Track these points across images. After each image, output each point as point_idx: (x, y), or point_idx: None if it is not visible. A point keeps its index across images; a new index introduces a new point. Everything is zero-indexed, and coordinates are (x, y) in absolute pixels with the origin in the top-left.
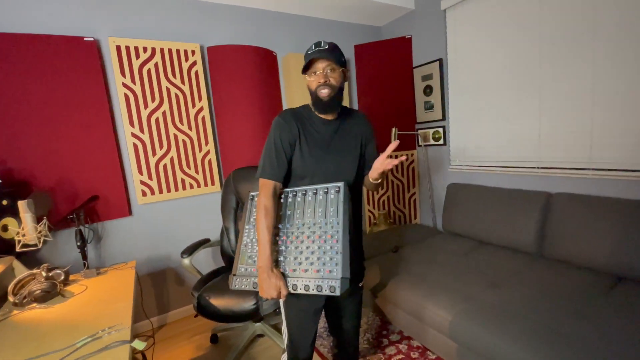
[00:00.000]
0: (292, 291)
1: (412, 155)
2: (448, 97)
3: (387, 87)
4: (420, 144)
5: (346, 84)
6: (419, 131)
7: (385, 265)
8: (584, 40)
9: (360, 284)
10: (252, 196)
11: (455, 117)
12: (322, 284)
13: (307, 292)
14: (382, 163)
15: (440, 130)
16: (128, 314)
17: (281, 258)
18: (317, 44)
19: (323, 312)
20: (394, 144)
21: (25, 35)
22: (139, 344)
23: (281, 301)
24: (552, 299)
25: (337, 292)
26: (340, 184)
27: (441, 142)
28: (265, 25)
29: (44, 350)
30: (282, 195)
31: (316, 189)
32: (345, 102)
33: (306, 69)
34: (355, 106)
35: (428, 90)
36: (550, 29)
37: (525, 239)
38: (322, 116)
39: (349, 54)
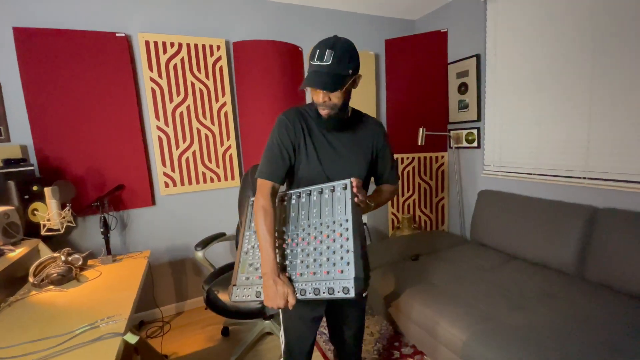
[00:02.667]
0: (301, 297)
1: (442, 157)
2: (485, 97)
3: (418, 83)
4: (451, 145)
5: (374, 80)
6: (451, 132)
7: (402, 273)
8: None
9: (365, 294)
10: (252, 201)
11: (492, 119)
12: (334, 286)
13: (318, 296)
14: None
15: (475, 131)
16: (129, 305)
17: (287, 262)
18: (320, 56)
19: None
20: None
21: (62, 31)
22: (131, 338)
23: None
24: (585, 329)
25: (352, 293)
26: (347, 181)
27: (475, 144)
28: (291, 20)
29: (47, 333)
30: (286, 198)
31: (321, 188)
32: (372, 100)
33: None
34: (383, 103)
35: (463, 88)
36: (604, 25)
37: (564, 257)
38: None
39: (379, 49)
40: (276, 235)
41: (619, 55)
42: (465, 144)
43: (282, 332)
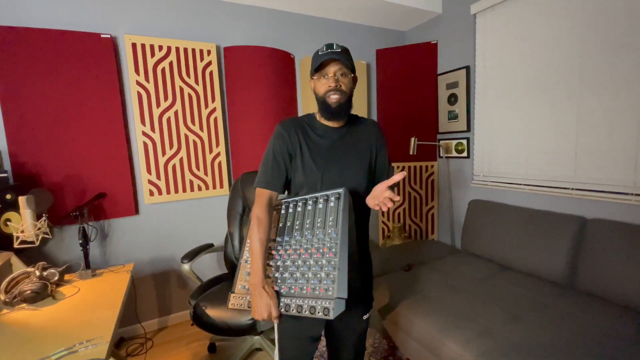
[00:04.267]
0: (285, 312)
1: (432, 166)
2: (474, 107)
3: (409, 94)
4: (441, 155)
5: (366, 89)
6: (441, 142)
7: (396, 284)
8: (631, 48)
9: (366, 316)
10: None
11: (482, 129)
12: (316, 305)
13: (300, 314)
14: (378, 198)
15: (464, 142)
16: (110, 327)
17: (277, 274)
18: (329, 46)
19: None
20: (400, 175)
21: (42, 30)
22: None
23: (275, 324)
24: (582, 341)
25: (331, 316)
26: (341, 190)
27: (464, 154)
28: (283, 26)
29: (21, 358)
30: (283, 206)
31: (316, 197)
32: (364, 108)
33: (316, 70)
34: (375, 112)
35: (453, 99)
36: (592, 36)
37: (554, 267)
38: (328, 123)
39: (370, 58)
40: (271, 245)
41: (606, 66)
42: (455, 154)
43: (276, 351)
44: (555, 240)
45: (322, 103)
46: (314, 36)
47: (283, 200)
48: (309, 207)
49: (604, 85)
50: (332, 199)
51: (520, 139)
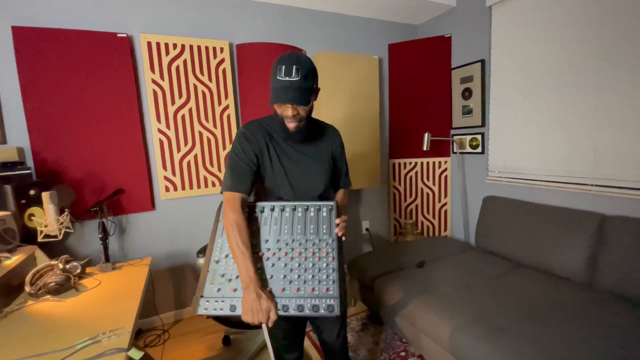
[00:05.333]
0: (284, 313)
1: (445, 162)
2: (489, 102)
3: (421, 88)
4: (455, 151)
5: (378, 85)
6: (455, 137)
7: (409, 281)
8: None
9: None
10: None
11: (497, 124)
12: (319, 304)
13: (301, 313)
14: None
15: (479, 137)
16: (131, 318)
17: (267, 276)
18: (287, 72)
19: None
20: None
21: (62, 31)
22: (136, 354)
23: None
24: (595, 337)
25: (336, 312)
26: (333, 203)
27: (479, 150)
28: (295, 22)
29: (45, 348)
30: (265, 209)
31: (307, 206)
32: (376, 104)
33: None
34: (387, 108)
35: (467, 93)
36: (611, 29)
37: (572, 265)
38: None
39: (383, 53)
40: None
41: (626, 58)
42: (469, 150)
43: (266, 337)
44: (573, 237)
45: (281, 124)
46: (326, 31)
47: (261, 203)
48: (299, 214)
49: (626, 78)
50: (325, 209)
51: (537, 134)
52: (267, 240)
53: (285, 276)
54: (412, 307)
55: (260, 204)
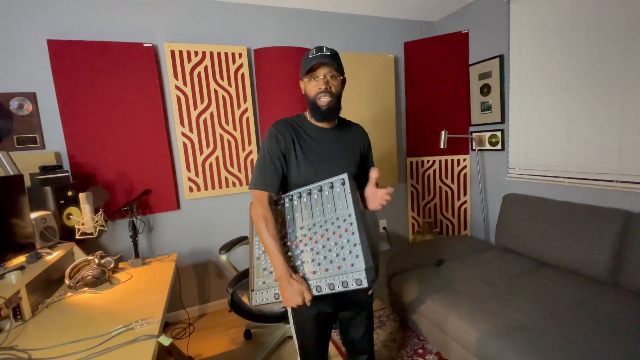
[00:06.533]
0: (317, 293)
1: (464, 160)
2: (509, 98)
3: (439, 86)
4: (474, 148)
5: (393, 83)
6: (474, 134)
7: (426, 279)
8: None
9: (370, 292)
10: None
11: (517, 120)
12: (347, 279)
13: (334, 291)
14: (377, 199)
15: (498, 134)
16: (160, 309)
17: (298, 263)
18: (319, 49)
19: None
20: (375, 171)
21: (92, 43)
22: (165, 340)
23: (289, 312)
24: (618, 336)
25: (365, 284)
26: (344, 175)
27: (499, 147)
28: (310, 25)
29: (85, 335)
30: (285, 200)
31: (320, 186)
32: (392, 102)
33: (306, 73)
34: (403, 106)
35: (486, 89)
36: (638, 19)
37: (597, 263)
38: (319, 124)
39: (399, 51)
40: (282, 238)
41: None
42: (488, 147)
43: (294, 334)
44: (598, 235)
45: (313, 105)
46: (341, 32)
47: (284, 195)
48: (315, 196)
49: None
50: (337, 184)
51: (559, 129)
52: (292, 230)
53: (313, 260)
54: (430, 305)
55: (283, 197)
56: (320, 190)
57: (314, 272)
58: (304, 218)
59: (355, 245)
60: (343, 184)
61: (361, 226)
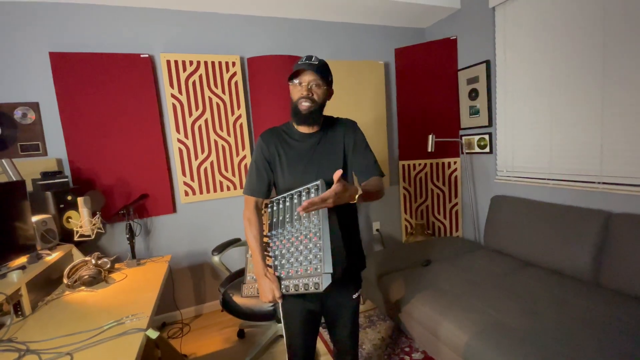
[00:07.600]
0: (285, 292)
1: (454, 163)
2: (496, 102)
3: (429, 91)
4: (463, 151)
5: (384, 89)
6: (463, 138)
7: (413, 279)
8: None
9: (355, 296)
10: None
11: (504, 124)
12: (308, 282)
13: (297, 292)
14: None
15: (486, 137)
16: (150, 305)
17: (276, 263)
18: (309, 57)
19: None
20: (338, 172)
21: (92, 54)
22: (152, 333)
23: (280, 304)
24: (599, 336)
25: (320, 288)
26: (319, 182)
27: (487, 150)
28: (301, 34)
29: (79, 329)
30: (274, 203)
31: (300, 191)
32: (382, 108)
33: (292, 78)
34: (394, 112)
35: (473, 94)
36: (616, 27)
37: (579, 263)
38: (303, 129)
39: (389, 58)
40: (267, 239)
41: (631, 56)
42: (477, 150)
43: (284, 331)
44: (580, 235)
45: (294, 108)
46: (333, 40)
47: (273, 199)
48: (295, 201)
49: (632, 75)
50: (312, 190)
51: (544, 133)
52: (276, 232)
53: (289, 261)
54: (414, 304)
55: (272, 201)
56: (300, 195)
57: (286, 273)
58: (285, 222)
59: (319, 250)
60: (317, 189)
61: (327, 233)
